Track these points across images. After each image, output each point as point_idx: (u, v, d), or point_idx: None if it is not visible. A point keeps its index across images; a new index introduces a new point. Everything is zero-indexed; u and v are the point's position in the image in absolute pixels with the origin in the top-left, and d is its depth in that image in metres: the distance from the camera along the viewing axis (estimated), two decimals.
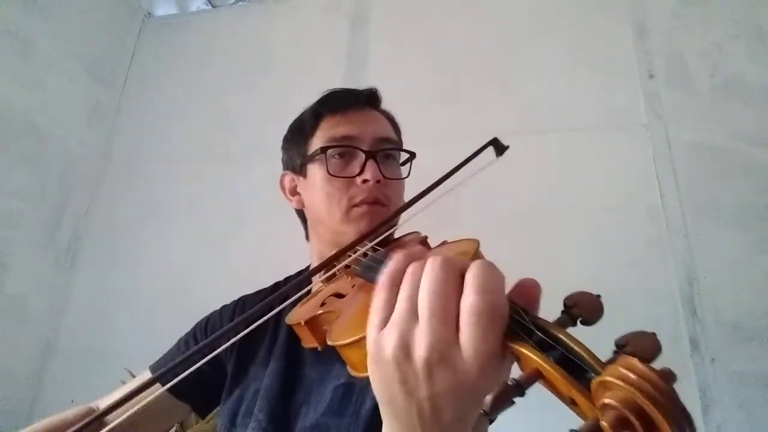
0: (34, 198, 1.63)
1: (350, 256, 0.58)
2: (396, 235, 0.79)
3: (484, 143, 0.61)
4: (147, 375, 0.79)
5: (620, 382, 0.25)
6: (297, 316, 0.67)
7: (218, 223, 1.69)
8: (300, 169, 0.81)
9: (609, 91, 1.54)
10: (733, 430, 1.15)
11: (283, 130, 0.89)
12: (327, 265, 0.56)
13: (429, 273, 0.34)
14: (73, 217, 1.76)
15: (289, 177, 0.85)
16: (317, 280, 0.69)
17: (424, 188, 0.59)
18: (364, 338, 0.42)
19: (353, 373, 0.47)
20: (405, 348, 0.34)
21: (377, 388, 0.37)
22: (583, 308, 0.32)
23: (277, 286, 0.86)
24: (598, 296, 0.33)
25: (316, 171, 0.77)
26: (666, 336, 1.09)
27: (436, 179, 0.58)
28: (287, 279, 0.87)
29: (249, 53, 1.93)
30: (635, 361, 0.26)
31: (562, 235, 1.39)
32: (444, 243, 0.62)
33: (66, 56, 1.78)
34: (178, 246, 1.69)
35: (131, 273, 1.69)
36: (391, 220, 0.66)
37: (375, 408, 0.60)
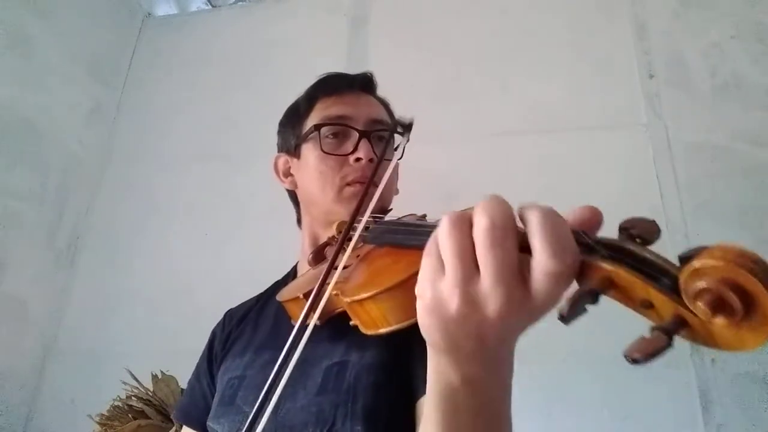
0: (34, 198, 1.63)
1: (350, 239, 0.57)
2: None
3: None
4: None
5: (720, 262, 0.26)
6: (293, 290, 0.66)
7: (218, 223, 1.69)
8: (294, 150, 0.81)
9: (609, 90, 1.54)
10: (734, 431, 1.15)
11: None
12: (338, 255, 0.55)
13: (485, 227, 0.32)
14: (73, 217, 1.76)
15: (283, 159, 0.85)
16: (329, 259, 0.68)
17: None
18: (384, 292, 0.43)
19: (366, 330, 0.47)
20: (472, 304, 0.33)
21: (431, 334, 0.36)
22: (640, 228, 0.33)
23: (260, 297, 0.86)
24: (653, 220, 0.33)
25: (309, 151, 0.77)
26: None
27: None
28: (276, 284, 0.87)
29: (249, 53, 1.93)
30: (729, 244, 0.26)
31: None
32: None
33: (66, 56, 1.77)
34: (178, 246, 1.69)
35: (131, 273, 1.68)
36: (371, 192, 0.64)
37: (372, 384, 0.60)
